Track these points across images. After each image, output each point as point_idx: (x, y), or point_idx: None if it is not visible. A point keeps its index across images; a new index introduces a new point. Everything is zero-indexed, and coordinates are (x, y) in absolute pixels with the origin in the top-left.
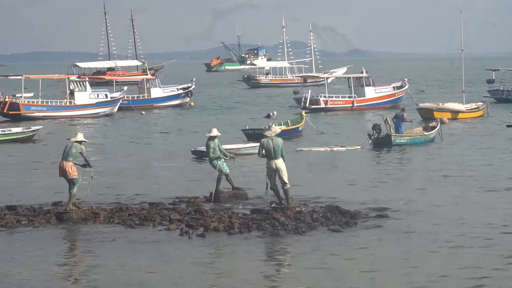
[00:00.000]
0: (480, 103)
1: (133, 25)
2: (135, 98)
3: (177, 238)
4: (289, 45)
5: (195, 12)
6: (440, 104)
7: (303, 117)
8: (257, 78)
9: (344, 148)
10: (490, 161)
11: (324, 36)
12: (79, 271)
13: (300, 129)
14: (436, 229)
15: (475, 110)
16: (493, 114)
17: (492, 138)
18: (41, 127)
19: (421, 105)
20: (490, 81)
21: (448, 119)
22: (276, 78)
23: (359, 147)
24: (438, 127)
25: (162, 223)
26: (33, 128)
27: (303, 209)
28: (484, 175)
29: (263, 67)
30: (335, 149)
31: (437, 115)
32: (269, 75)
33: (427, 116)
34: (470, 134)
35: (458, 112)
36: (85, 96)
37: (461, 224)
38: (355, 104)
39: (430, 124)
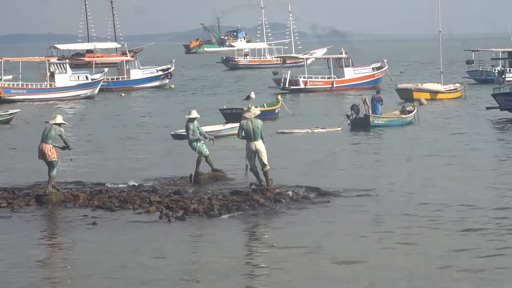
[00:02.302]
0: (458, 84)
1: (112, 7)
2: (115, 80)
3: (156, 220)
4: (268, 26)
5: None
6: (419, 84)
7: (279, 101)
8: (236, 59)
9: (325, 130)
10: (466, 143)
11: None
12: (58, 254)
13: (276, 111)
14: (411, 211)
15: (453, 91)
16: (471, 96)
17: (469, 120)
18: (18, 110)
19: (400, 85)
20: (469, 62)
21: (427, 99)
22: (255, 59)
23: (340, 128)
24: (415, 111)
25: (141, 206)
26: (10, 111)
27: (285, 191)
28: (460, 157)
29: (242, 49)
30: (316, 131)
31: (416, 95)
32: (248, 56)
33: (406, 96)
34: (447, 116)
35: (437, 92)
36: (65, 78)
37: (438, 206)
38: (335, 85)
39: (408, 108)
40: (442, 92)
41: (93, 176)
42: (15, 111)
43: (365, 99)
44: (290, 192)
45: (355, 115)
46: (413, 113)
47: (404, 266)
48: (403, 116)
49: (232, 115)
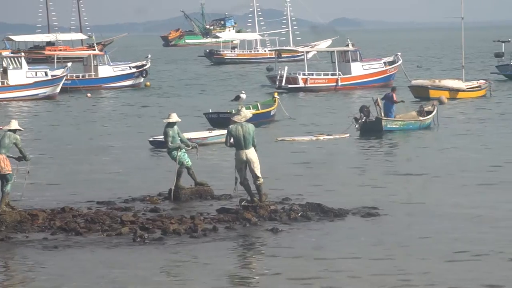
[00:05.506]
0: (482, 81)
1: None
2: (80, 78)
3: (130, 243)
4: (260, 13)
5: None
6: (437, 81)
7: (275, 100)
8: (221, 52)
9: (331, 137)
10: (494, 152)
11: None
12: (13, 284)
13: (272, 113)
14: (428, 232)
15: (476, 89)
16: (497, 95)
17: (497, 124)
18: None
19: (414, 82)
20: (498, 55)
21: (447, 98)
22: (244, 52)
23: (348, 135)
24: (434, 112)
25: (112, 226)
26: None
27: (282, 208)
28: (486, 169)
29: (230, 40)
30: (321, 138)
31: (433, 93)
32: (236, 49)
33: (421, 95)
34: (471, 118)
35: (457, 90)
36: (21, 74)
37: (453, 227)
38: (340, 83)
39: (426, 108)
40: (463, 90)
41: (54, 192)
42: None
43: (377, 99)
44: (287, 210)
45: (365, 118)
46: (433, 114)
47: None
48: (421, 118)
49: (219, 119)
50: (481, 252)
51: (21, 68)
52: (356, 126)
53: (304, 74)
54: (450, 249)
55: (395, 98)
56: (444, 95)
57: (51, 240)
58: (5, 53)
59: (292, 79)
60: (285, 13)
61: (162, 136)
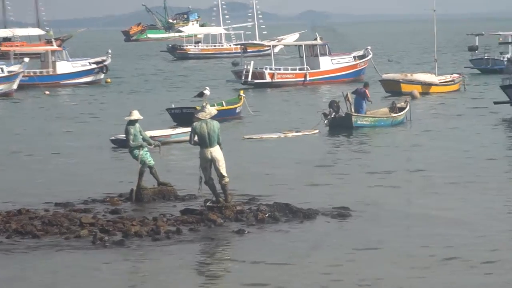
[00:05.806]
0: (456, 75)
1: None
2: (38, 74)
3: (89, 246)
4: (225, 7)
5: None
6: (409, 75)
7: (241, 98)
8: (184, 47)
9: (300, 133)
10: (467, 148)
11: None
12: None
13: (237, 110)
14: (401, 233)
15: (449, 83)
16: (471, 89)
17: (472, 119)
18: None
19: (385, 76)
20: (472, 49)
21: (419, 93)
22: (209, 47)
23: (317, 131)
24: (407, 108)
25: (70, 228)
26: None
27: (248, 209)
28: (458, 166)
29: (193, 35)
30: (290, 135)
31: (404, 88)
32: (200, 44)
33: (392, 89)
34: (444, 113)
35: (430, 85)
36: None
37: (423, 229)
38: (308, 78)
39: (398, 105)
40: (436, 84)
41: (10, 193)
42: None
43: (347, 94)
44: (254, 210)
45: (334, 113)
46: (405, 111)
47: None
48: (393, 114)
49: (183, 115)
50: (449, 256)
51: None
52: (325, 122)
53: (271, 69)
54: (419, 253)
55: (368, 95)
56: (417, 90)
57: (6, 244)
58: None
59: (258, 74)
60: (250, 6)
61: (124, 135)
